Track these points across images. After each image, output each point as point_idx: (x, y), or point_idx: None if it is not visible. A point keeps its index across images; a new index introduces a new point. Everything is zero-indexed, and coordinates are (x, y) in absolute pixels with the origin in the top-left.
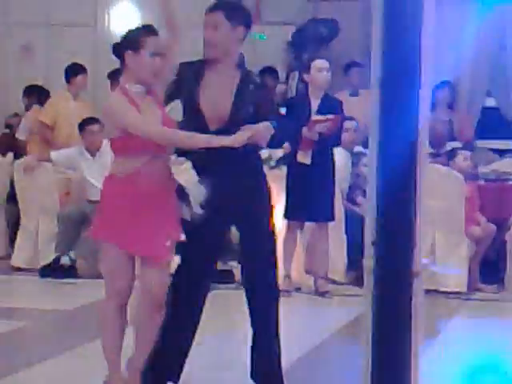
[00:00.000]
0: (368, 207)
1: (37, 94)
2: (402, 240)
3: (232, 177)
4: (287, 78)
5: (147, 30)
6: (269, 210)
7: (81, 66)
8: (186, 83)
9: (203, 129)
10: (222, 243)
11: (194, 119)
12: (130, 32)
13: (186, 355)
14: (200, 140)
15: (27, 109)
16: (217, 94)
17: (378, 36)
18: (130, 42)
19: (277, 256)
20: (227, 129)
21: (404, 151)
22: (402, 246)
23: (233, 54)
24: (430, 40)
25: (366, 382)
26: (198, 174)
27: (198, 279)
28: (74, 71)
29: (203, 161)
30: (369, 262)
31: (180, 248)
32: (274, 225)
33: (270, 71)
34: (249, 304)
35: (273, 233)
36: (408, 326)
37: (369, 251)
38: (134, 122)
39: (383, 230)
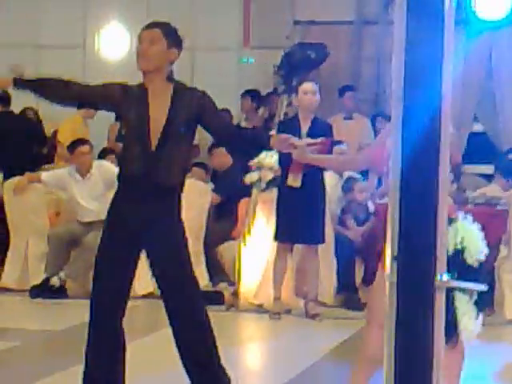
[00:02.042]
0: (390, 222)
1: None
2: (424, 255)
3: None
4: (267, 100)
5: None
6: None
7: None
8: (134, 106)
9: (146, 147)
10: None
11: (139, 137)
12: None
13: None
14: None
15: None
16: (155, 110)
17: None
18: None
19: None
20: (163, 144)
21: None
22: (424, 261)
23: (165, 70)
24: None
25: None
26: None
27: None
28: None
29: None
30: (392, 276)
31: None
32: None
33: (252, 93)
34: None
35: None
36: (430, 341)
37: (391, 267)
38: None
39: (405, 244)
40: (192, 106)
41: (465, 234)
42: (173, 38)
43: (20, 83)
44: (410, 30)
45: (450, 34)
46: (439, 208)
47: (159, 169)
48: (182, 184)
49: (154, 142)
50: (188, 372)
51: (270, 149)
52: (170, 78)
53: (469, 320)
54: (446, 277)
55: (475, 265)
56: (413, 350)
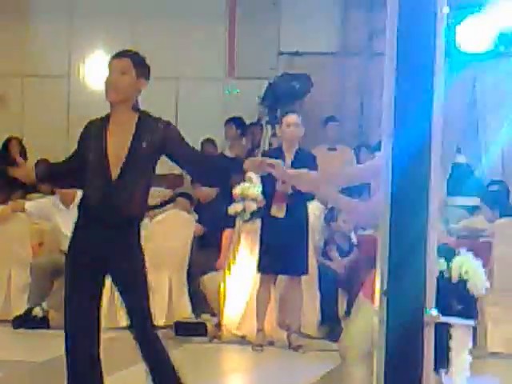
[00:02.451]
0: (380, 257)
1: None
2: (414, 290)
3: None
4: (250, 131)
5: None
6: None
7: None
8: (93, 139)
9: (106, 176)
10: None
11: (99, 167)
12: None
13: None
14: None
15: None
16: (118, 140)
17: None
18: None
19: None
20: (125, 173)
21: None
22: (413, 296)
23: (132, 100)
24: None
25: None
26: None
27: None
28: None
29: None
30: (381, 311)
31: None
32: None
33: (236, 121)
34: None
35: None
36: (419, 376)
37: (381, 302)
38: None
39: (395, 281)
40: (156, 136)
41: (469, 267)
42: (142, 67)
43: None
44: (400, 65)
45: (439, 71)
46: (428, 244)
47: (120, 198)
48: (143, 213)
49: (115, 172)
50: None
51: (243, 173)
52: (135, 108)
53: (463, 361)
54: (434, 312)
55: (478, 296)
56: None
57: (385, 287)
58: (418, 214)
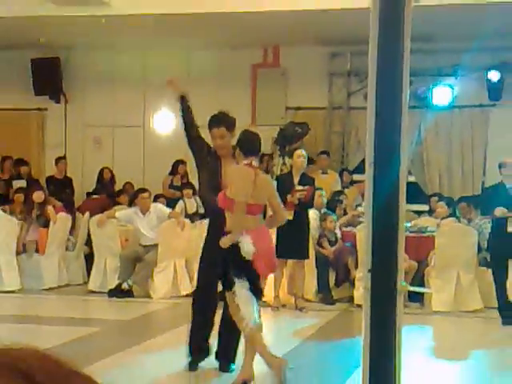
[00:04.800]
0: (365, 246)
1: None
2: (389, 268)
3: None
4: (262, 160)
5: None
6: None
7: None
8: (210, 163)
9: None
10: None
11: (214, 188)
12: None
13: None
14: None
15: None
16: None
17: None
18: None
19: None
20: None
21: (390, 202)
22: (389, 273)
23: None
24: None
25: (364, 362)
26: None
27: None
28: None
29: None
30: (366, 283)
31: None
32: None
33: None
34: None
35: None
36: (393, 327)
37: (366, 276)
38: None
39: (376, 261)
40: None
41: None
42: (231, 127)
43: (182, 102)
44: (378, 121)
45: (405, 120)
46: (399, 237)
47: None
48: None
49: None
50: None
51: None
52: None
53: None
54: (403, 283)
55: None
56: (383, 336)
57: (369, 267)
58: (392, 218)
